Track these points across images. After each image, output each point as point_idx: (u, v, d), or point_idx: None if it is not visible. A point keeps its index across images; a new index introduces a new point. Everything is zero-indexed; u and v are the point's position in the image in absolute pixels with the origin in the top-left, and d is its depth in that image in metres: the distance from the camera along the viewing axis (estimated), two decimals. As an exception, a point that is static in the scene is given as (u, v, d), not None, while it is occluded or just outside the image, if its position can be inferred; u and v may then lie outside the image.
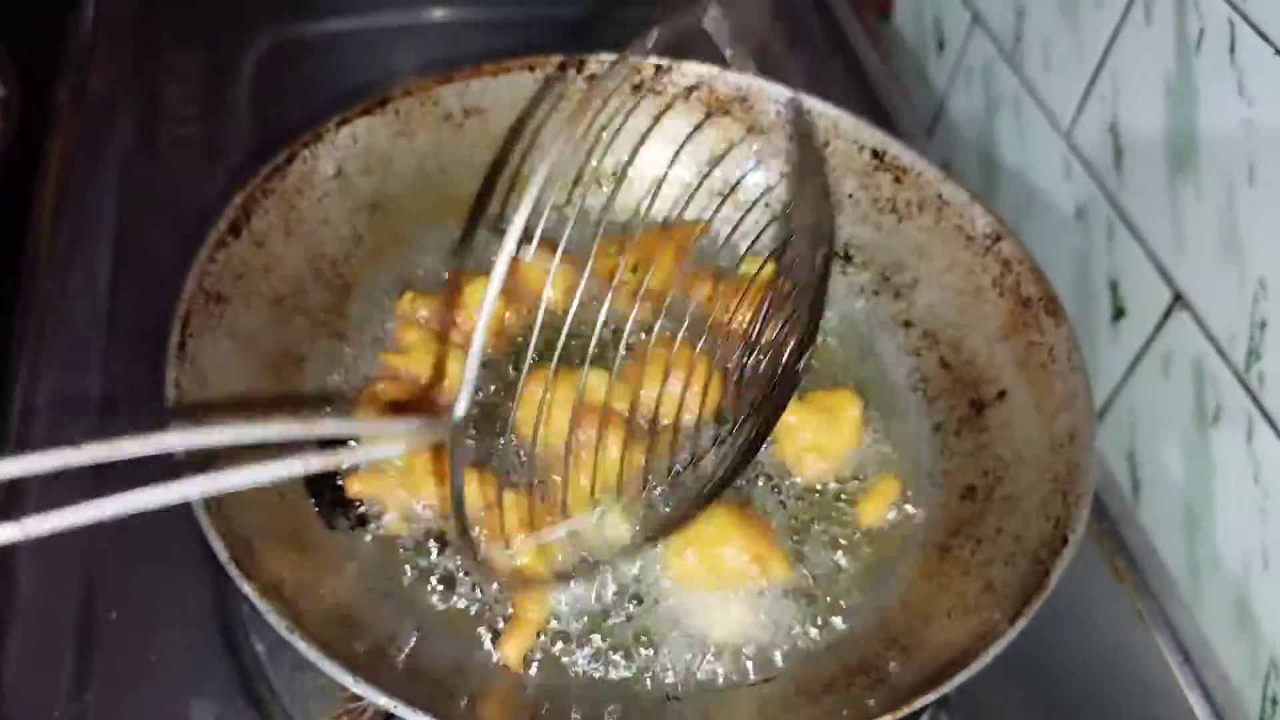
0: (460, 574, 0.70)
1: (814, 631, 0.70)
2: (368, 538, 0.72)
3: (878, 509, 0.75)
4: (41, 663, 0.73)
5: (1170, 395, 0.87)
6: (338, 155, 0.82)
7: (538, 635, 0.68)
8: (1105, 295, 0.95)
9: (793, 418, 0.77)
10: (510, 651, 0.66)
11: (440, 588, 0.70)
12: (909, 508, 0.77)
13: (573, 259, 0.77)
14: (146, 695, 0.72)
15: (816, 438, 0.78)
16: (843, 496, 0.78)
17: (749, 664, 0.69)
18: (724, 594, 0.70)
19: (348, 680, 0.54)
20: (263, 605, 0.56)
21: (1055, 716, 0.77)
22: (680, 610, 0.70)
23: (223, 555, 0.58)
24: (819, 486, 0.78)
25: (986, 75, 1.13)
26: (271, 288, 0.77)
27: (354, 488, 0.72)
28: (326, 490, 0.73)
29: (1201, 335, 0.83)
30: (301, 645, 0.55)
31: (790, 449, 0.78)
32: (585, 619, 0.69)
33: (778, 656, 0.69)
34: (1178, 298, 0.85)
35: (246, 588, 0.56)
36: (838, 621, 0.70)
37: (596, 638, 0.68)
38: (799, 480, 0.78)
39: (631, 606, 0.70)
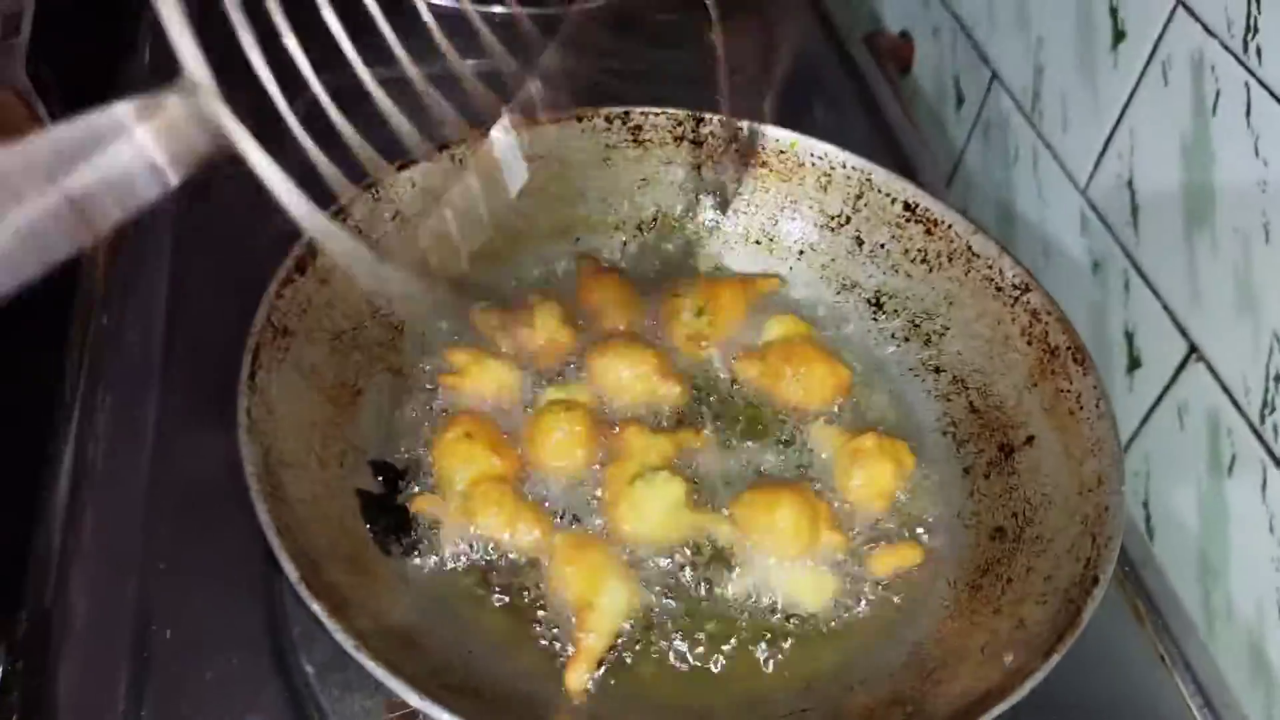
0: (521, 598, 0.73)
1: (848, 663, 0.72)
2: (419, 562, 0.75)
3: (888, 565, 0.78)
4: (96, 680, 0.75)
5: (1185, 445, 0.89)
6: (397, 199, 0.86)
7: (600, 665, 0.70)
8: (1121, 346, 0.97)
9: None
10: (572, 680, 0.69)
11: (498, 611, 0.73)
12: (942, 541, 0.79)
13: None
14: (200, 713, 0.74)
15: (872, 475, 0.81)
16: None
17: (782, 695, 0.71)
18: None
19: (413, 698, 0.57)
20: (332, 624, 0.58)
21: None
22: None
23: (293, 575, 0.60)
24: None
25: (1004, 130, 1.16)
26: (333, 323, 0.80)
27: (416, 504, 0.76)
28: (381, 516, 0.77)
29: (1216, 386, 0.85)
30: (370, 664, 0.58)
31: (848, 480, 0.82)
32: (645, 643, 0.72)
33: (813, 688, 0.71)
34: (1193, 350, 0.86)
35: (316, 606, 0.59)
36: (872, 655, 0.73)
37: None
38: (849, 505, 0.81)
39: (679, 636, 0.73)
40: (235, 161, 1.05)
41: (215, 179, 1.11)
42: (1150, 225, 0.93)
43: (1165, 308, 0.90)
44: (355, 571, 0.69)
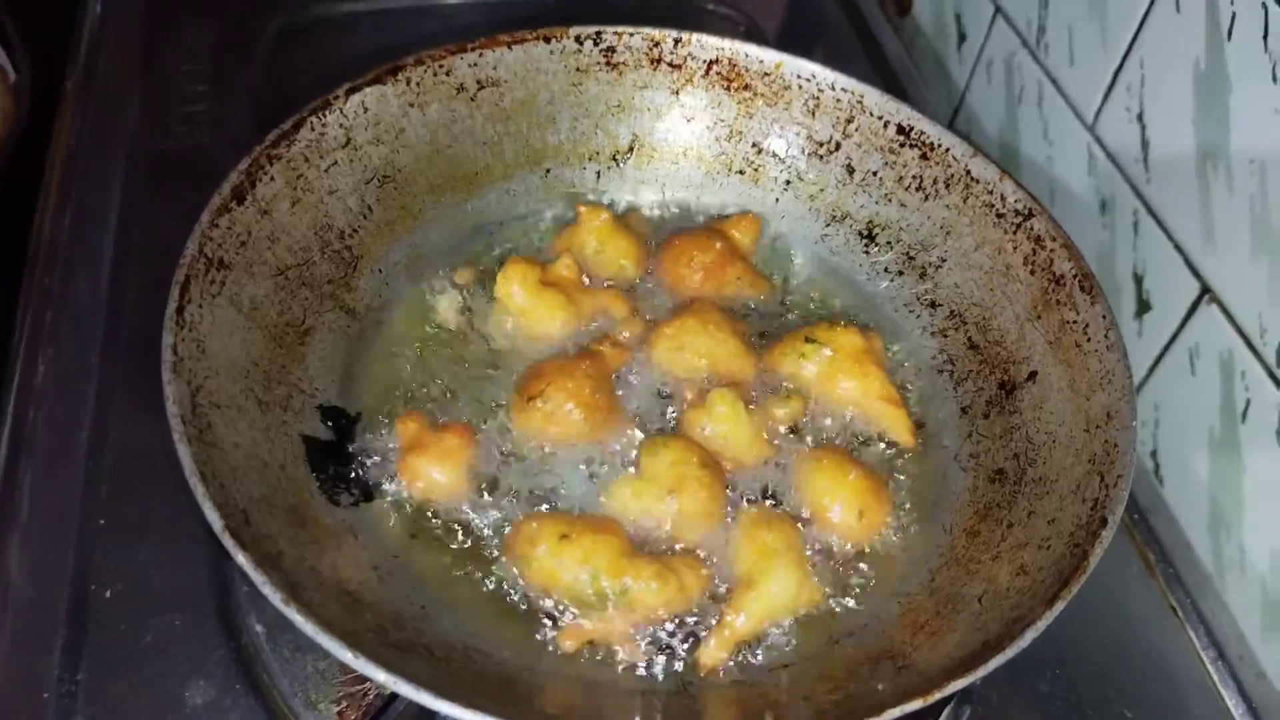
0: (484, 555, 0.68)
1: (836, 617, 0.67)
2: (373, 513, 0.69)
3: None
4: (31, 642, 0.71)
5: (1197, 391, 0.84)
6: (347, 124, 0.80)
7: (738, 651, 0.66)
8: (1130, 289, 0.92)
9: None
10: (705, 656, 0.65)
11: (459, 569, 0.68)
12: (939, 484, 0.74)
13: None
14: (140, 677, 0.70)
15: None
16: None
17: (767, 649, 0.66)
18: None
19: (346, 655, 0.51)
20: (258, 576, 0.53)
21: (1082, 713, 0.74)
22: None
23: (217, 525, 0.55)
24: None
25: (1008, 67, 1.11)
26: (277, 257, 0.75)
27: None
28: (331, 464, 0.71)
29: (1230, 329, 0.80)
30: (298, 618, 0.52)
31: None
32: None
33: (797, 641, 0.66)
34: (1205, 291, 0.82)
35: (241, 558, 0.54)
36: (860, 607, 0.68)
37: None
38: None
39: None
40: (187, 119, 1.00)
41: (165, 136, 1.08)
42: (1161, 161, 0.87)
43: (1177, 247, 0.86)
44: (296, 523, 0.64)
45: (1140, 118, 0.89)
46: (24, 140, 1.04)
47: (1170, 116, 0.85)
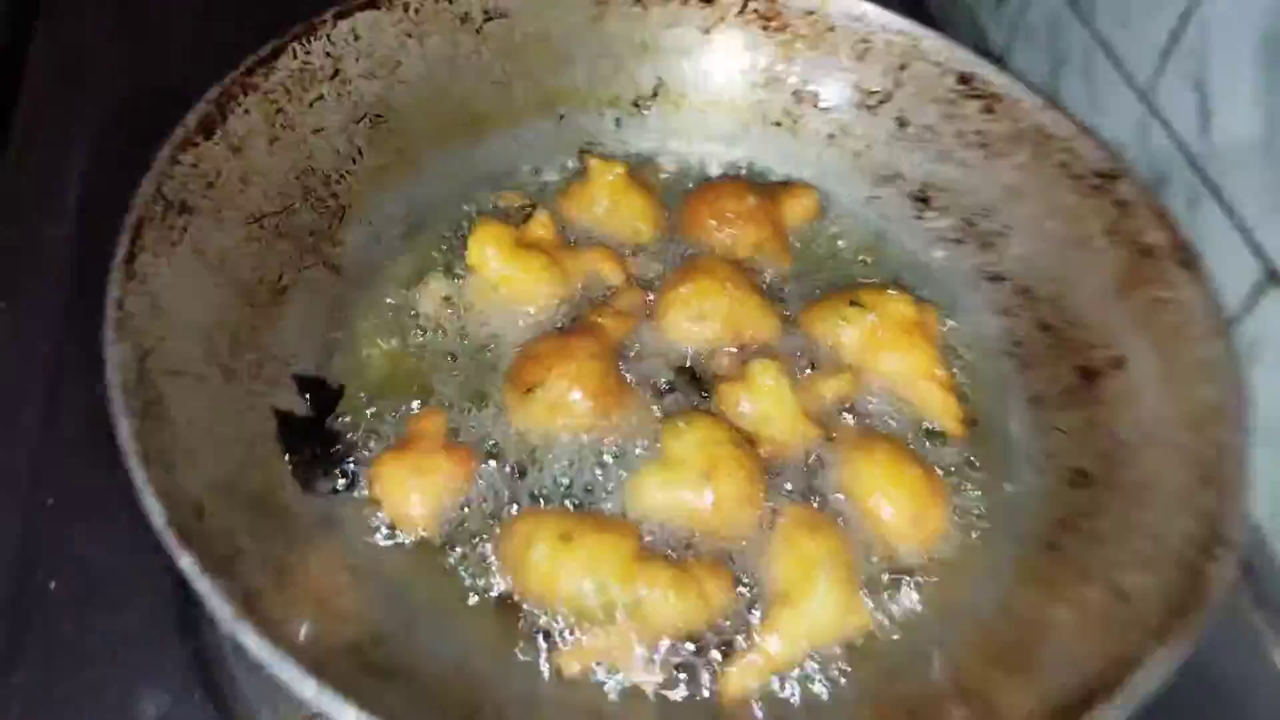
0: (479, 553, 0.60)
1: (892, 644, 0.58)
2: (353, 502, 0.60)
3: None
4: (-37, 641, 0.64)
5: (1260, 386, 0.75)
6: (335, 53, 0.72)
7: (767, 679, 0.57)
8: (1186, 273, 0.84)
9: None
10: (730, 683, 0.56)
11: (445, 570, 0.59)
12: (1007, 485, 0.66)
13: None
14: (85, 680, 0.63)
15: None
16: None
17: (806, 683, 0.57)
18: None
19: (309, 691, 0.42)
20: (204, 584, 0.44)
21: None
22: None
23: (158, 520, 0.46)
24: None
25: (1052, 31, 1.03)
26: (251, 203, 0.66)
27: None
28: (306, 444, 0.62)
29: (1299, 315, 0.73)
30: (253, 640, 0.43)
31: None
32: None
33: (845, 676, 0.57)
34: (1271, 274, 0.75)
35: (185, 561, 0.44)
36: (919, 633, 0.59)
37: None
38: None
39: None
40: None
41: (132, 92, 0.99)
42: (1223, 131, 0.80)
43: (1238, 227, 0.78)
44: (261, 513, 0.55)
45: (1200, 85, 0.82)
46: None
47: (1235, 84, 0.78)
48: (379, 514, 0.61)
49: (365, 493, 0.62)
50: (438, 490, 0.61)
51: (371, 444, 0.64)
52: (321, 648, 0.47)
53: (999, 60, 1.13)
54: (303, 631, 0.47)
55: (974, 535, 0.64)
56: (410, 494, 0.60)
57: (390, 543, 0.60)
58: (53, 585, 0.66)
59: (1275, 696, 0.70)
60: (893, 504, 0.62)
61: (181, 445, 0.52)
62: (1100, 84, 0.95)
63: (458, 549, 0.60)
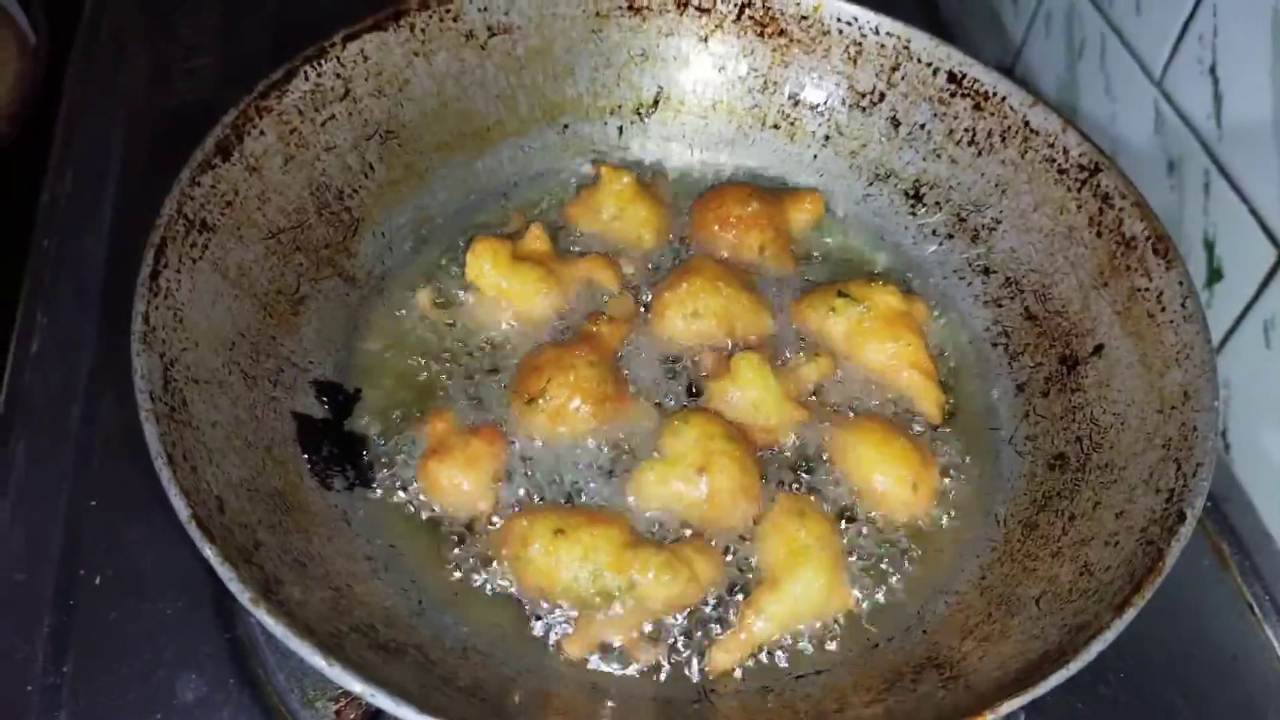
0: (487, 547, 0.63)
1: (875, 616, 0.60)
2: (369, 498, 0.64)
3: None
4: (16, 630, 0.67)
5: (1273, 366, 0.77)
6: (345, 74, 0.74)
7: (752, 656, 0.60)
8: (1200, 256, 0.84)
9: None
10: (718, 659, 0.59)
11: (456, 560, 0.62)
12: (991, 470, 0.67)
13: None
14: (130, 668, 0.66)
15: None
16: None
17: (798, 652, 0.60)
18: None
19: (320, 663, 0.46)
20: (225, 571, 0.48)
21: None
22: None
23: (182, 512, 0.50)
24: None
25: (1068, 18, 1.04)
26: (268, 219, 0.69)
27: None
28: (324, 444, 0.66)
29: (1314, 299, 0.73)
30: (268, 620, 0.47)
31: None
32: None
33: (833, 644, 0.60)
34: None
35: (208, 550, 0.48)
36: (903, 604, 0.61)
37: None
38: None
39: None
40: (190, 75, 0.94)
41: (168, 93, 1.03)
42: (1236, 117, 0.81)
43: (1252, 211, 0.79)
44: (281, 509, 0.59)
45: (1213, 71, 0.83)
46: (43, 102, 1.00)
47: (1247, 69, 0.79)
48: (390, 507, 0.65)
49: (379, 491, 0.65)
50: (483, 472, 0.65)
51: (386, 443, 0.67)
52: (336, 628, 0.51)
53: (1016, 51, 1.14)
54: (317, 613, 0.50)
55: (955, 516, 0.66)
56: (463, 485, 0.64)
57: (403, 538, 0.63)
58: (97, 580, 0.69)
59: (1266, 666, 0.72)
60: (888, 474, 0.65)
61: (204, 446, 0.56)
62: (1115, 71, 0.96)
63: (466, 542, 0.64)
